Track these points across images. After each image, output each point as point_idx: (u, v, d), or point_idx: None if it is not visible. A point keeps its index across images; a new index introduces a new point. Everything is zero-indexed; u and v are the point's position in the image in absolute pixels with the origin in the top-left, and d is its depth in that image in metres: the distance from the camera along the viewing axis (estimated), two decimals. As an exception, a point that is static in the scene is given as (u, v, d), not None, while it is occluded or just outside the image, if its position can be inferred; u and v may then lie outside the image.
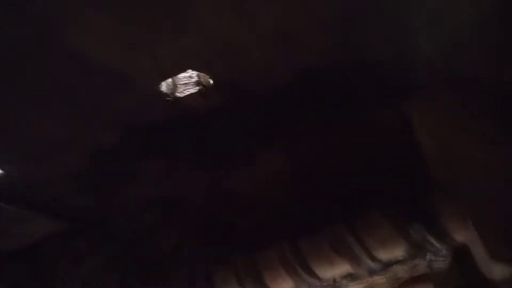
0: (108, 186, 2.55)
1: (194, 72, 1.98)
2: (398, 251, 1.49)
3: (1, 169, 2.16)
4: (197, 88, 2.09)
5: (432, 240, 1.42)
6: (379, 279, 1.71)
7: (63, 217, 2.78)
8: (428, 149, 1.68)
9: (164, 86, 2.02)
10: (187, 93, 2.09)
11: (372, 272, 1.58)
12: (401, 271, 1.62)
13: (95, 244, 2.93)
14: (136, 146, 2.26)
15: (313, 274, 1.57)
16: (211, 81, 1.97)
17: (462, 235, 1.42)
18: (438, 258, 1.55)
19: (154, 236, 2.81)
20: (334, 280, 1.70)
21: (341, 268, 1.57)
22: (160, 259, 2.67)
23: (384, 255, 1.51)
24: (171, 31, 1.62)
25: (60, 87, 1.78)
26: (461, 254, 1.60)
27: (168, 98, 2.02)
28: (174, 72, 1.90)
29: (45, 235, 2.91)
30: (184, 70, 1.92)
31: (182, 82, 2.08)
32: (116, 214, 2.84)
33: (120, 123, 2.08)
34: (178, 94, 2.10)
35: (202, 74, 2.01)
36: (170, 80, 2.02)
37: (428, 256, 1.50)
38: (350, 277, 1.64)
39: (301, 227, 2.11)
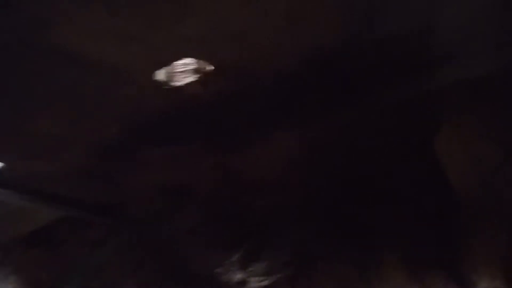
0: (117, 176, 2.54)
1: (191, 59, 1.86)
2: None
3: (7, 164, 2.14)
4: (196, 76, 1.92)
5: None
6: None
7: (76, 204, 2.80)
8: (457, 165, 1.50)
9: (161, 75, 1.90)
10: (185, 81, 1.93)
11: None
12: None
13: (110, 229, 2.95)
14: (140, 136, 2.22)
15: None
16: (211, 68, 1.85)
17: (487, 283, 1.25)
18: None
19: (169, 220, 2.81)
20: None
21: None
22: (177, 241, 2.68)
23: None
24: (168, 18, 1.49)
25: (58, 86, 1.73)
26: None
27: (166, 87, 1.92)
28: (170, 60, 1.79)
29: (58, 220, 2.95)
30: (180, 58, 1.80)
31: (179, 70, 1.96)
32: (129, 201, 2.84)
33: (121, 116, 2.04)
34: (176, 83, 1.93)
35: (200, 61, 1.88)
36: (166, 68, 1.91)
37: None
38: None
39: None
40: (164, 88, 1.89)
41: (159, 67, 1.80)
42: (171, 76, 1.93)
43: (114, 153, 2.34)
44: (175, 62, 1.85)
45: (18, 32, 1.38)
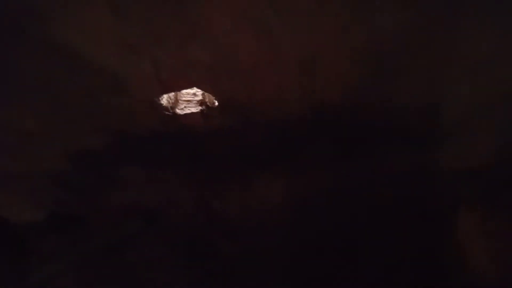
0: (89, 188, 2.38)
1: (199, 90, 1.80)
2: None
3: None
4: (200, 108, 1.89)
5: None
6: None
7: (43, 208, 2.63)
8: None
9: (165, 100, 1.82)
10: (188, 111, 1.91)
11: None
12: None
13: (72, 241, 2.77)
14: (123, 152, 2.09)
15: None
16: (216, 103, 1.79)
17: None
18: None
19: (134, 244, 2.66)
20: None
21: None
22: (138, 269, 2.53)
23: None
24: (177, 37, 1.43)
25: (45, 81, 1.61)
26: None
27: (167, 112, 1.83)
28: (177, 86, 1.71)
29: (27, 222, 2.76)
30: (188, 85, 1.72)
31: (185, 99, 1.90)
32: (97, 217, 2.69)
33: (108, 128, 1.91)
34: (178, 111, 1.91)
35: (207, 94, 1.81)
36: (172, 94, 1.84)
37: None
38: None
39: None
40: (163, 112, 1.81)
41: (161, 87, 1.71)
42: (175, 102, 1.86)
43: (89, 163, 2.20)
44: (183, 90, 1.79)
45: (16, 21, 1.31)
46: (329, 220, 2.27)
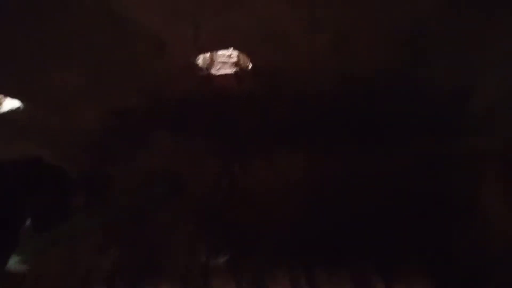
0: (120, 149, 2.52)
1: (235, 51, 1.90)
2: None
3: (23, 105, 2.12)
4: (234, 69, 1.98)
5: None
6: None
7: (76, 165, 2.78)
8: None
9: (201, 60, 1.94)
10: (222, 72, 1.99)
11: None
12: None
13: (100, 200, 2.92)
14: (156, 116, 2.21)
15: None
16: (250, 65, 1.89)
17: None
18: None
19: (158, 207, 2.78)
20: None
21: None
22: (154, 237, 2.64)
23: None
24: (218, 3, 1.53)
25: (90, 43, 1.71)
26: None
27: (202, 73, 1.94)
28: (214, 47, 1.82)
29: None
30: (225, 47, 1.83)
31: (220, 60, 2.00)
32: (125, 178, 2.83)
33: (146, 91, 2.02)
34: (213, 71, 2.00)
35: (242, 56, 1.91)
36: (208, 55, 1.95)
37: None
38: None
39: (314, 250, 2.02)
40: (198, 73, 1.92)
41: (199, 50, 1.82)
42: (210, 63, 1.96)
43: (123, 124, 2.33)
44: (219, 51, 1.89)
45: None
46: (349, 200, 2.31)
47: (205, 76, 1.95)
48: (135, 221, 2.71)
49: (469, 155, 1.96)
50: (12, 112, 2.10)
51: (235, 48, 1.82)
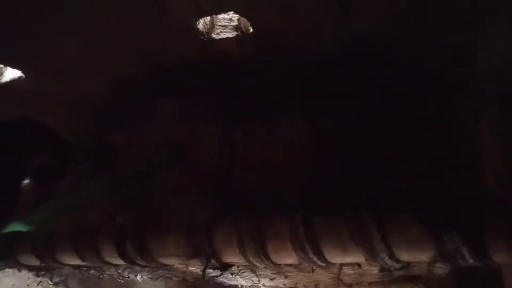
0: (123, 118, 2.54)
1: (235, 15, 1.87)
2: (423, 256, 1.33)
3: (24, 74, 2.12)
4: (235, 33, 1.96)
5: (466, 254, 1.23)
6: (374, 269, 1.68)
7: (79, 134, 2.81)
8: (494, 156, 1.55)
9: (201, 24, 1.90)
10: (223, 36, 1.98)
11: (384, 269, 1.48)
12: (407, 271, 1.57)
13: (105, 167, 2.96)
14: (158, 83, 2.22)
15: (321, 256, 1.44)
16: (251, 29, 1.86)
17: (503, 257, 1.24)
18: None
19: (157, 175, 2.83)
20: (341, 266, 1.65)
21: (353, 258, 1.44)
22: (159, 200, 2.70)
23: (407, 256, 1.35)
24: None
25: (90, 7, 1.71)
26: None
27: (202, 37, 1.92)
28: (214, 10, 1.80)
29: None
30: (225, 11, 1.81)
31: (221, 24, 1.97)
32: (129, 146, 2.87)
33: (148, 57, 2.03)
34: (213, 36, 1.99)
35: (243, 20, 1.89)
36: (208, 18, 1.92)
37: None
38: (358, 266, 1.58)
39: (315, 207, 2.07)
40: (199, 37, 1.90)
41: (200, 14, 1.79)
42: (210, 27, 1.94)
43: (125, 93, 2.34)
44: (219, 15, 1.87)
45: None
46: (350, 165, 2.34)
47: (206, 41, 1.93)
48: (140, 187, 2.77)
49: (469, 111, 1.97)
50: (13, 82, 2.11)
51: (235, 12, 1.79)
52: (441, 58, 1.81)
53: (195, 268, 2.07)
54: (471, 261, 1.25)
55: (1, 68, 2.13)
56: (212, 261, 1.64)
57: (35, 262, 2.02)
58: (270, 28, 1.81)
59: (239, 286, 2.23)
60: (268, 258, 1.55)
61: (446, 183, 1.83)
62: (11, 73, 2.12)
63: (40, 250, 1.96)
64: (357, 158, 2.20)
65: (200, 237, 1.63)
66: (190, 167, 2.85)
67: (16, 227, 2.88)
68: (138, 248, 1.73)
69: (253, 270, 2.01)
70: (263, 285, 2.09)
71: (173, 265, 1.79)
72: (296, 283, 1.99)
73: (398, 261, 1.36)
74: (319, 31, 1.77)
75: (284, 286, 1.72)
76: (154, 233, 1.76)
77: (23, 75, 2.10)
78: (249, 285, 2.21)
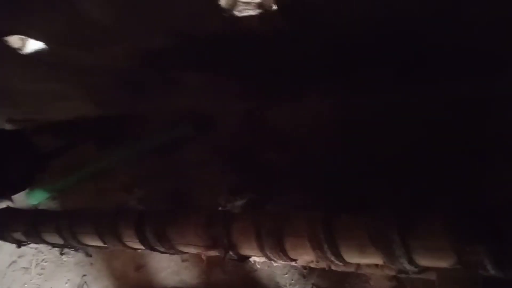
0: (148, 89, 2.55)
1: (258, -8, 1.79)
2: (443, 263, 1.31)
3: (46, 45, 2.14)
4: (258, 11, 1.87)
5: (488, 265, 1.20)
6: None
7: (100, 104, 2.86)
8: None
9: (224, 1, 1.82)
10: (245, 13, 1.86)
11: (402, 272, 1.47)
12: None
13: (129, 138, 3.03)
14: (185, 56, 2.20)
15: (339, 255, 1.46)
16: (274, 7, 1.77)
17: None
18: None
19: (180, 147, 2.87)
20: (358, 266, 1.64)
21: (372, 259, 1.44)
22: (179, 173, 2.75)
23: (426, 262, 1.34)
24: None
25: None
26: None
27: (224, 14, 1.85)
28: (236, -13, 1.72)
29: (80, 115, 3.05)
30: (248, -12, 1.72)
31: (244, 0, 1.88)
32: (153, 118, 2.90)
33: (174, 29, 2.01)
34: (236, 13, 1.87)
35: (267, -4, 1.80)
36: (232, -6, 1.84)
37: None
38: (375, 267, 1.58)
39: (336, 196, 2.02)
40: (221, 14, 1.84)
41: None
42: (233, 4, 1.86)
43: (152, 64, 2.33)
44: (242, -9, 1.80)
45: None
46: (378, 143, 2.28)
47: (228, 17, 1.86)
48: (162, 160, 2.82)
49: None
50: (38, 53, 2.13)
51: (258, -12, 1.70)
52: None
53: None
54: (492, 272, 1.22)
55: (23, 39, 2.14)
56: (230, 253, 1.67)
57: (59, 241, 2.13)
58: (294, 4, 1.71)
59: (252, 261, 2.28)
60: (285, 254, 1.58)
61: (478, 184, 1.73)
62: (34, 45, 2.13)
63: (63, 230, 2.06)
64: (382, 148, 2.12)
65: (218, 229, 1.67)
66: (213, 141, 2.87)
67: (40, 193, 3.03)
68: (158, 235, 1.79)
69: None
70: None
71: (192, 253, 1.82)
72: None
73: (417, 266, 1.36)
74: (348, 4, 1.65)
75: (296, 264, 1.74)
76: (173, 222, 1.81)
77: (46, 46, 2.11)
78: (261, 260, 2.25)
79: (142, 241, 1.87)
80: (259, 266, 2.36)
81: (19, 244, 2.36)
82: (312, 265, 1.88)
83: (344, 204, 2.05)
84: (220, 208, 2.39)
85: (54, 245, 2.34)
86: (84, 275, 3.03)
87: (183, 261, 2.63)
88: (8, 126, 3.32)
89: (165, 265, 2.73)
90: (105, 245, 2.03)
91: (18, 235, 2.28)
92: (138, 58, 2.28)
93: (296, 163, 2.52)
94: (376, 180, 2.10)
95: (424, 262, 1.34)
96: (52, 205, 3.29)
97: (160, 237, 1.80)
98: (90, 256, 2.90)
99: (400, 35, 1.84)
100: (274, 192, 2.39)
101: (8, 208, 2.44)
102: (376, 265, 1.65)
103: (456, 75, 1.92)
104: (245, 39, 2.08)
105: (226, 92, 2.58)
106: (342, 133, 2.39)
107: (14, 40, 2.13)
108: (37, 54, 2.15)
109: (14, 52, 2.14)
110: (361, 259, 1.47)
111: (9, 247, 3.32)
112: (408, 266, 1.36)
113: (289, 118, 2.60)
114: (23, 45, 2.17)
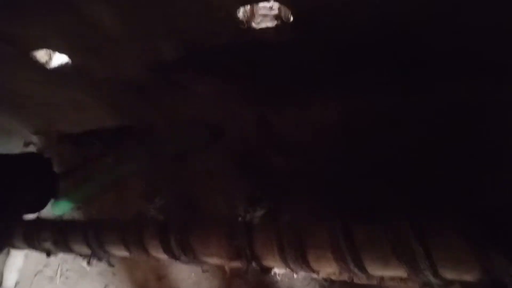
0: (160, 98, 2.62)
1: (276, 3, 1.85)
2: (469, 276, 1.30)
3: (66, 55, 2.22)
4: (275, 22, 1.94)
5: None
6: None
7: (115, 114, 2.93)
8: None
9: (241, 13, 1.92)
10: (263, 25, 1.95)
11: (426, 286, 1.45)
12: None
13: (142, 147, 3.08)
14: (196, 65, 2.26)
15: (362, 268, 1.46)
16: (291, 18, 1.85)
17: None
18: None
19: (197, 154, 2.92)
20: (381, 280, 1.64)
21: (395, 272, 1.43)
22: (196, 182, 2.79)
23: (451, 275, 1.32)
24: None
25: None
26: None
27: (241, 26, 1.93)
28: (254, -1, 1.80)
29: (98, 126, 3.12)
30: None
31: (261, 12, 1.96)
32: (166, 126, 2.95)
33: (186, 39, 2.07)
34: (253, 25, 1.96)
35: (284, 8, 1.87)
36: (249, 7, 1.91)
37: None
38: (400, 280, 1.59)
39: (348, 203, 2.07)
40: (238, 26, 1.91)
41: (240, 2, 1.79)
42: (251, 16, 1.94)
43: (163, 74, 2.39)
44: (259, 4, 1.86)
45: None
46: (382, 148, 2.33)
47: (245, 29, 1.94)
48: (176, 169, 2.87)
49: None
50: (61, 66, 2.21)
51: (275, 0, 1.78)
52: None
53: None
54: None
55: (49, 53, 2.24)
56: (253, 264, 1.70)
57: (86, 250, 2.18)
58: (310, 15, 1.79)
59: (272, 272, 2.31)
60: (308, 266, 1.59)
61: (498, 188, 1.80)
62: (59, 58, 2.23)
63: (90, 240, 2.11)
64: (389, 153, 2.18)
65: (241, 240, 1.70)
66: (224, 148, 2.92)
67: (64, 204, 3.09)
68: (182, 245, 1.85)
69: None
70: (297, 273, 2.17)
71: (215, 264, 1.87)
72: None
73: (442, 279, 1.35)
74: (353, 13, 1.73)
75: (317, 276, 1.78)
76: (196, 232, 1.87)
77: (69, 59, 2.19)
78: (282, 272, 2.28)
79: (166, 251, 1.91)
80: (279, 278, 2.40)
81: (48, 253, 2.41)
82: (333, 277, 1.89)
83: (358, 212, 2.08)
84: (239, 218, 2.45)
85: (81, 255, 2.38)
86: (107, 285, 3.09)
87: (203, 271, 2.67)
88: (34, 139, 3.61)
89: (185, 275, 2.78)
90: (130, 255, 2.07)
91: (47, 245, 2.33)
92: (150, 68, 2.35)
93: (305, 169, 2.57)
94: (384, 186, 2.11)
95: (450, 275, 1.32)
96: (76, 214, 3.37)
97: (184, 247, 1.84)
98: (113, 266, 2.95)
99: (403, 37, 1.92)
100: (287, 200, 2.44)
101: (37, 218, 2.50)
102: (400, 278, 1.65)
103: (458, 77, 2.00)
104: (257, 48, 2.15)
105: (235, 99, 2.65)
106: (347, 139, 2.45)
107: (41, 55, 2.23)
108: (61, 67, 2.24)
109: (41, 66, 2.24)
110: (384, 271, 1.46)
111: (36, 257, 3.50)
112: (433, 280, 1.34)
113: (296, 124, 2.66)
114: (50, 59, 2.26)
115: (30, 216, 2.49)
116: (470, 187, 1.87)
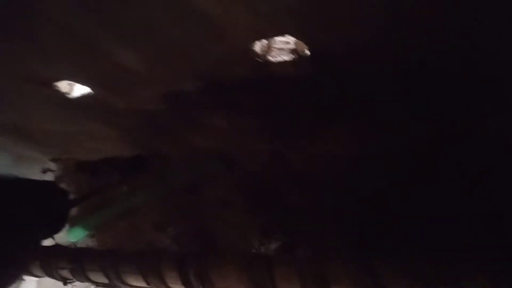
0: (175, 130, 2.65)
1: (292, 38, 1.90)
2: None
3: (92, 90, 2.29)
4: (292, 56, 1.99)
5: None
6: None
7: (132, 144, 2.97)
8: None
9: (258, 47, 1.98)
10: (280, 59, 1.99)
11: None
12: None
13: (156, 178, 3.09)
14: (211, 99, 2.31)
15: None
16: (308, 52, 1.89)
17: None
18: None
19: (210, 185, 2.91)
20: None
21: None
22: (209, 213, 2.77)
23: None
24: None
25: (151, 24, 1.80)
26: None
27: (259, 59, 1.97)
28: (271, 33, 1.84)
29: (112, 155, 3.16)
30: (282, 33, 1.84)
31: (278, 46, 2.01)
32: (179, 157, 2.98)
33: (203, 74, 2.13)
34: (270, 58, 2.00)
35: (300, 42, 1.92)
36: (265, 41, 1.96)
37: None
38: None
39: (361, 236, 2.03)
40: (255, 59, 1.96)
41: (254, 33, 1.84)
42: (267, 50, 1.99)
43: (181, 106, 2.44)
44: (276, 37, 1.91)
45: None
46: (397, 182, 2.30)
47: (262, 63, 1.98)
48: (189, 200, 2.87)
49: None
50: (82, 97, 2.28)
51: (292, 32, 1.82)
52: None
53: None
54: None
55: (71, 84, 2.31)
56: None
57: (104, 280, 2.16)
58: (325, 50, 1.82)
59: None
60: None
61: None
62: (81, 89, 2.31)
63: (108, 269, 2.09)
64: (402, 188, 2.15)
65: (261, 274, 1.71)
66: (236, 180, 2.91)
67: (79, 231, 3.09)
68: (201, 278, 1.85)
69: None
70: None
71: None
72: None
73: None
74: (368, 50, 1.75)
75: None
76: (215, 265, 1.86)
77: (91, 90, 2.26)
78: None
79: (185, 283, 1.93)
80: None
81: (65, 281, 2.39)
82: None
83: (379, 247, 2.03)
84: (253, 251, 2.40)
85: (98, 284, 2.36)
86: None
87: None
88: (52, 166, 3.66)
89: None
90: (149, 286, 2.05)
91: (64, 273, 2.31)
92: (166, 101, 2.40)
93: (319, 202, 2.54)
94: (397, 220, 2.10)
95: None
96: (90, 242, 3.36)
97: (203, 279, 1.86)
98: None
99: (413, 74, 1.93)
100: (303, 233, 2.40)
101: (56, 245, 2.50)
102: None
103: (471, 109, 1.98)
104: (274, 83, 2.19)
105: (250, 133, 2.67)
106: (358, 173, 2.43)
107: (63, 85, 2.32)
108: (81, 98, 2.32)
109: (63, 97, 2.32)
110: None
111: (49, 283, 3.38)
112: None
113: (311, 157, 2.66)
114: (71, 89, 2.34)
115: (46, 242, 2.49)
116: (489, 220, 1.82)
